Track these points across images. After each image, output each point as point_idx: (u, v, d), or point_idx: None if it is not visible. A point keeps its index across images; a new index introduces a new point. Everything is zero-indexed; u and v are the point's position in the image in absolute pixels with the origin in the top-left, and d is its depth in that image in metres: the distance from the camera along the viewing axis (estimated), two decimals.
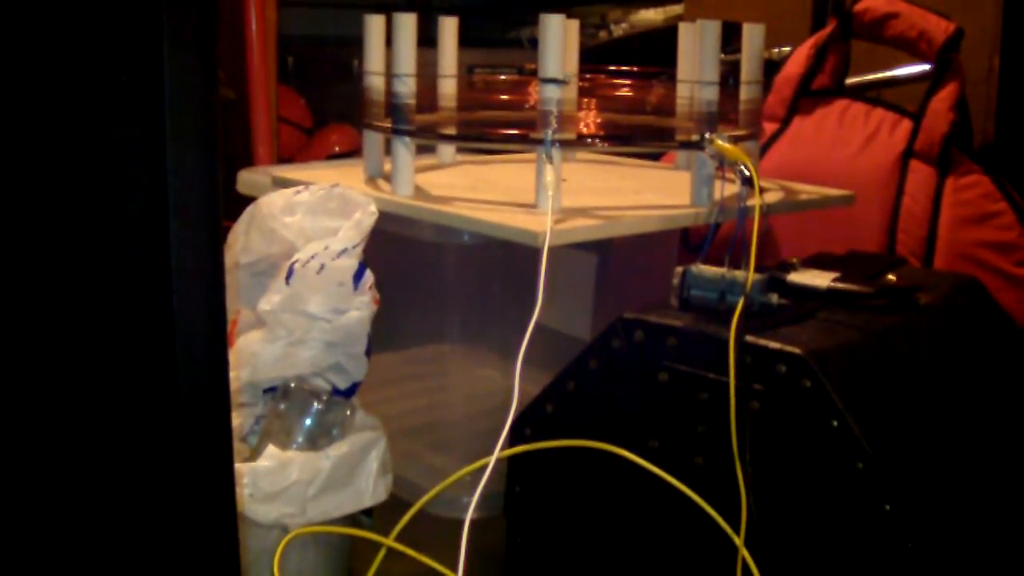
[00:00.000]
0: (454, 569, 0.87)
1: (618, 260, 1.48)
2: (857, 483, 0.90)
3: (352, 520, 1.12)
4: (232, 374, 1.12)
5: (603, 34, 2.80)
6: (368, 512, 1.18)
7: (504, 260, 1.33)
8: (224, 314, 0.70)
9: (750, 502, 0.90)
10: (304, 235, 1.17)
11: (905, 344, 1.02)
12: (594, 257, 1.47)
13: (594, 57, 1.50)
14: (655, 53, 1.52)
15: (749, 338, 0.95)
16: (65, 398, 0.64)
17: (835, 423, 0.90)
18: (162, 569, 0.67)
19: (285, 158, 2.23)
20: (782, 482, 0.94)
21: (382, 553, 1.01)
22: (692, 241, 1.51)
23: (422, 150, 1.32)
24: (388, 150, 1.33)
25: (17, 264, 0.61)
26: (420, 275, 1.36)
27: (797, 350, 0.93)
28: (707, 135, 1.18)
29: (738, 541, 0.90)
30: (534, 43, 1.25)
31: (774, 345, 0.94)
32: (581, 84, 1.37)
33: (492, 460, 0.84)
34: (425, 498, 1.01)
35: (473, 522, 0.85)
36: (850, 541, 0.91)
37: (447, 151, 1.56)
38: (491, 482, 0.88)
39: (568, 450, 1.01)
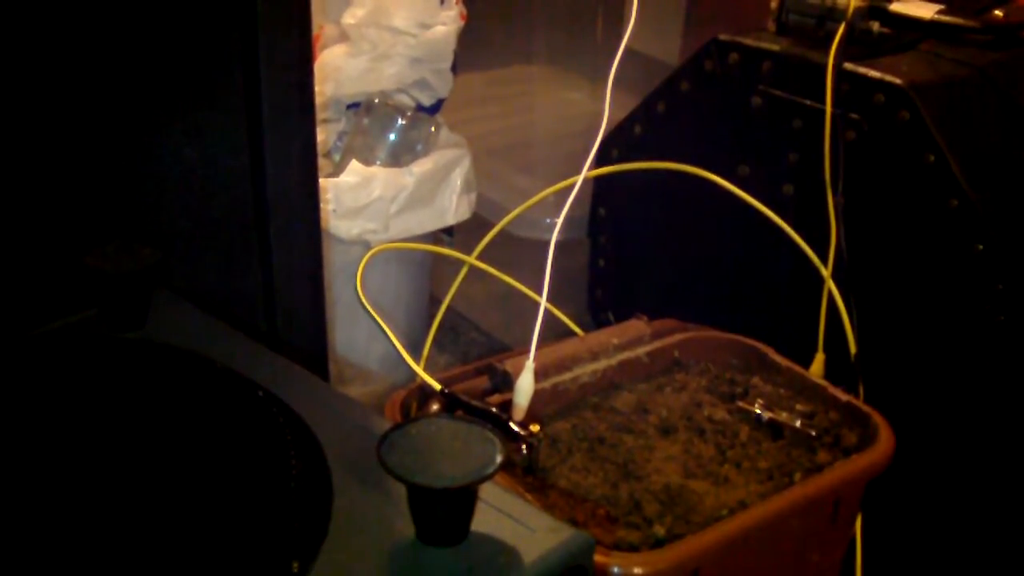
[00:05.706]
0: (536, 290, 0.87)
1: None
2: (950, 221, 0.88)
3: (434, 239, 1.13)
4: (315, 89, 1.11)
5: None
6: (450, 231, 1.18)
7: None
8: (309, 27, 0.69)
9: (839, 234, 0.89)
10: None
11: (1008, 82, 0.99)
12: None
13: None
14: None
15: (848, 66, 0.92)
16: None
17: (932, 158, 0.88)
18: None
19: None
20: (873, 216, 0.92)
21: (464, 272, 1.01)
22: None
23: None
24: None
25: None
26: None
27: (897, 80, 0.90)
28: None
29: (825, 272, 0.89)
30: None
31: (874, 74, 0.91)
32: None
33: (579, 180, 0.83)
34: (508, 217, 1.01)
35: (556, 244, 0.85)
36: (939, 280, 0.90)
37: None
38: (575, 204, 0.87)
39: (655, 174, 1.00)
